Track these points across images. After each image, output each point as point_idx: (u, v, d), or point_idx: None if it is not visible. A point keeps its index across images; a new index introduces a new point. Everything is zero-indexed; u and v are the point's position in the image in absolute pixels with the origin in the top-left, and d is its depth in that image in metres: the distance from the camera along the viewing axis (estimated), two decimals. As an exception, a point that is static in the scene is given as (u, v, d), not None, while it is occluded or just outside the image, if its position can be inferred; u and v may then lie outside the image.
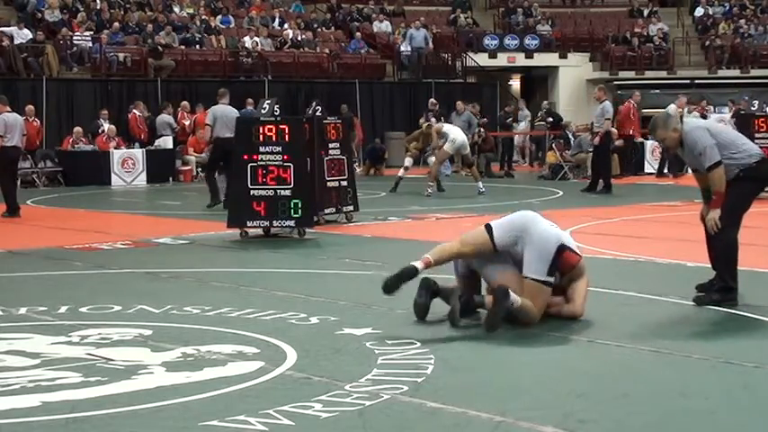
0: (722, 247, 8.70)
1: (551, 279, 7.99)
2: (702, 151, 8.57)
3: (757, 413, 5.67)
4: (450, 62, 37.33)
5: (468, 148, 22.34)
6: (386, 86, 35.08)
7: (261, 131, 14.00)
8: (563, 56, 39.47)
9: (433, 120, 26.00)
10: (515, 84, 43.34)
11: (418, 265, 8.09)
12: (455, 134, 21.32)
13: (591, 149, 23.28)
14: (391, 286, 8.12)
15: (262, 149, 13.99)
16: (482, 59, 38.24)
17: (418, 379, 6.36)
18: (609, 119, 22.18)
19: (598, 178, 22.12)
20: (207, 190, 18.79)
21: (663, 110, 29.02)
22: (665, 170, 27.06)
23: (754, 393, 6.07)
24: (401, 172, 23.23)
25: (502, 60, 39.13)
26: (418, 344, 7.29)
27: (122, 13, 33.65)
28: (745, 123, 20.27)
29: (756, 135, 19.44)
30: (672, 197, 19.91)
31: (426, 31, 36.49)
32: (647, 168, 28.55)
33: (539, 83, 41.78)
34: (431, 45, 36.44)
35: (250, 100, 28.26)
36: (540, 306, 7.95)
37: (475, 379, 6.42)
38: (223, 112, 18.85)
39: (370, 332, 7.74)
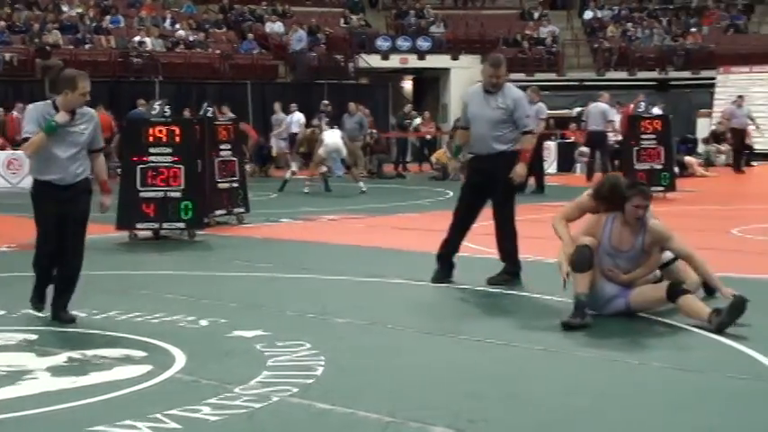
0: (514, 230, 10.17)
1: None
2: (530, 114, 10.24)
3: (642, 410, 5.77)
4: (342, 63, 37.33)
5: (345, 152, 22.72)
6: (278, 87, 34.95)
7: (151, 133, 13.86)
8: (455, 57, 39.69)
9: (326, 120, 26.15)
10: (407, 85, 43.50)
11: None
12: (328, 139, 22.35)
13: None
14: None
15: (152, 151, 13.85)
16: (374, 61, 38.32)
17: (308, 381, 6.34)
18: (544, 119, 22.40)
19: (528, 178, 22.17)
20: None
21: (553, 111, 29.49)
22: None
23: (640, 390, 6.16)
24: (288, 174, 23.31)
25: (394, 62, 39.23)
26: (308, 345, 7.27)
27: (9, 11, 33.01)
28: (632, 125, 20.58)
29: (642, 136, 19.77)
30: (562, 197, 20.15)
31: (303, 32, 36.43)
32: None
33: (430, 84, 41.99)
34: (304, 45, 36.25)
35: (141, 101, 27.97)
36: None
37: (365, 380, 6.43)
38: None
39: (260, 334, 7.69)
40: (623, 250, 8.24)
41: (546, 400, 5.95)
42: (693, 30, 42.32)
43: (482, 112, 10.01)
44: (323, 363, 6.78)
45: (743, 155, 30.17)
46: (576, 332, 7.76)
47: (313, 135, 23.85)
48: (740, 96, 31.07)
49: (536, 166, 22.46)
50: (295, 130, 28.32)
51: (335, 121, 27.14)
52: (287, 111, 29.81)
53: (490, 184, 10.03)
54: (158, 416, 5.60)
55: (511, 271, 10.05)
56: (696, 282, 8.67)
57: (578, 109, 33.49)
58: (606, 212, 8.34)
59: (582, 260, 8.06)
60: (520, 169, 10.10)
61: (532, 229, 15.26)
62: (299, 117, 29.27)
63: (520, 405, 5.86)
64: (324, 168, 23.13)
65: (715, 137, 33.82)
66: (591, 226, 8.38)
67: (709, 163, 31.83)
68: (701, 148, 34.20)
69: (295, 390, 6.12)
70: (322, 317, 8.41)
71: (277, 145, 29.65)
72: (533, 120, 22.15)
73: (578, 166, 29.09)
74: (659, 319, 8.15)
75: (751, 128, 30.43)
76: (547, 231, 14.96)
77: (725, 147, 33.31)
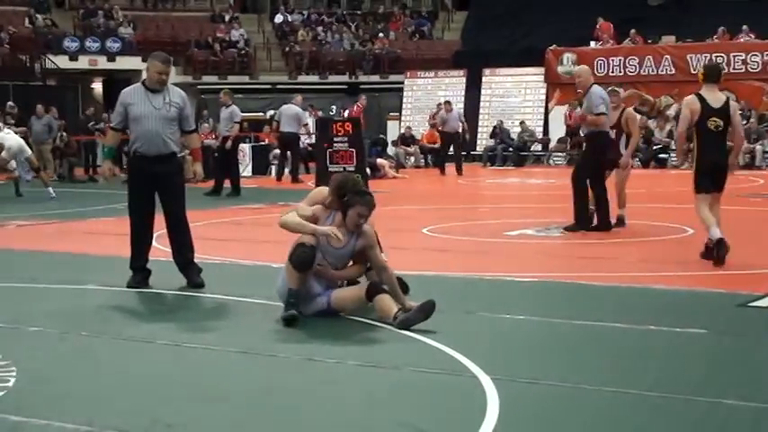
0: (189, 231, 10.11)
1: None
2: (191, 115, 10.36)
3: (340, 407, 5.87)
4: (28, 64, 36.19)
5: (29, 153, 22.48)
6: (-42, 89, 33.50)
7: None
8: (146, 59, 39.08)
9: (12, 122, 25.47)
10: (98, 87, 42.61)
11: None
12: (10, 141, 21.99)
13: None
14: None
15: None
16: (62, 62, 37.32)
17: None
18: (238, 123, 22.36)
19: (223, 181, 22.14)
20: None
21: (246, 114, 29.61)
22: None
23: (335, 387, 6.28)
24: None
25: (83, 63, 38.34)
26: (-1, 356, 7.01)
27: None
28: (324, 127, 20.88)
29: (335, 139, 20.07)
30: (258, 200, 20.30)
31: None
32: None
33: (122, 86, 41.12)
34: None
35: None
36: None
37: (61, 390, 6.26)
38: None
39: (-55, 347, 7.35)
40: (335, 247, 8.34)
41: (244, 400, 5.97)
42: (381, 35, 43.43)
43: (152, 111, 9.79)
44: (15, 374, 6.54)
45: (461, 158, 30.69)
46: (273, 333, 7.82)
47: None
48: (447, 102, 31.73)
49: (232, 169, 22.53)
50: None
51: (23, 124, 26.37)
52: None
53: (160, 187, 9.90)
54: None
55: (196, 273, 9.97)
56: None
57: (271, 112, 33.85)
58: (333, 208, 8.35)
59: (305, 261, 8.10)
60: (199, 168, 10.56)
61: (230, 231, 15.33)
62: None
63: (218, 407, 5.85)
64: (16, 173, 22.45)
65: (403, 139, 34.86)
66: (314, 214, 8.38)
67: (399, 165, 32.78)
68: (391, 150, 35.18)
69: (-14, 403, 5.89)
70: (13, 326, 8.12)
71: None
72: (227, 123, 22.35)
73: (273, 168, 29.39)
74: (356, 318, 8.31)
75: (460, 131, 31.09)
76: (244, 234, 15.05)
77: (413, 148, 34.41)
